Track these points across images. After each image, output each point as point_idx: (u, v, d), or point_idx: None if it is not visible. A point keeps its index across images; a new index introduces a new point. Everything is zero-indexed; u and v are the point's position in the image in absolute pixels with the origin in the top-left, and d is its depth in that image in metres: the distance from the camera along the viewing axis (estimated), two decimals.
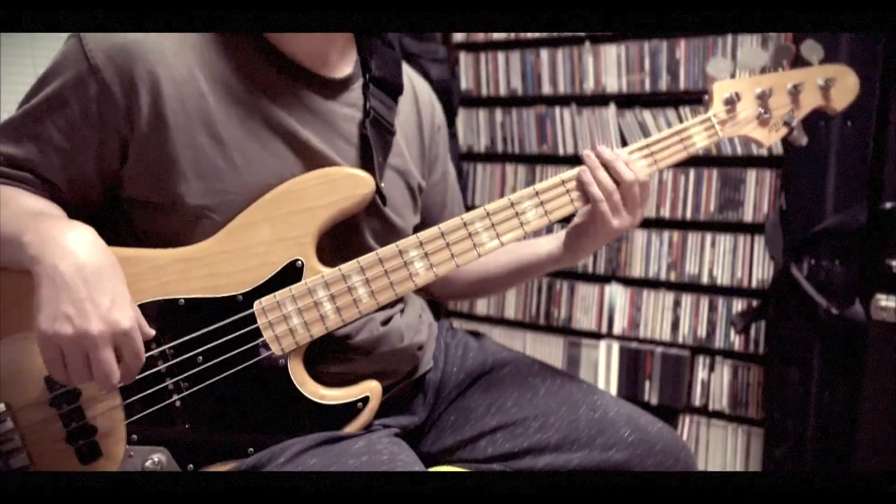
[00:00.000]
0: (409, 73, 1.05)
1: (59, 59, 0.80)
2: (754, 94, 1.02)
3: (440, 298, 1.19)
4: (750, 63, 1.03)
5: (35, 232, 0.73)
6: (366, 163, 0.90)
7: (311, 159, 0.86)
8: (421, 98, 1.06)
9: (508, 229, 0.90)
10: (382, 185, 0.91)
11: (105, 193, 0.85)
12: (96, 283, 0.71)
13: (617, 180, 0.92)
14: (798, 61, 1.05)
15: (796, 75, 1.03)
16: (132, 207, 0.85)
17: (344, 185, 0.85)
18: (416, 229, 0.98)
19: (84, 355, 0.72)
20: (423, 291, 1.14)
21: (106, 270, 0.73)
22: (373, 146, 0.90)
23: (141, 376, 0.80)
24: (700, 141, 1.00)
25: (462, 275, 1.12)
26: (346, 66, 0.92)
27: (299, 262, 0.84)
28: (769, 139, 1.04)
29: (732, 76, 1.02)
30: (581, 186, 0.93)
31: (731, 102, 1.01)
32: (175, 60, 0.80)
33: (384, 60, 0.95)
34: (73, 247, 0.72)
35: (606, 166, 0.92)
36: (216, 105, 0.82)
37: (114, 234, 0.86)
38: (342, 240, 0.89)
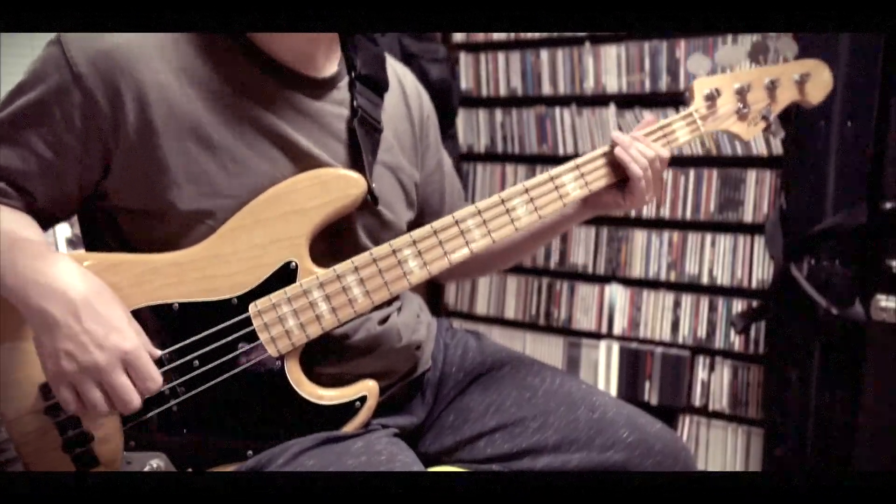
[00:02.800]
0: (393, 67, 1.05)
1: (40, 66, 0.78)
2: (733, 89, 1.04)
3: (458, 278, 1.20)
4: (728, 60, 1.05)
5: (14, 275, 0.73)
6: (355, 161, 0.90)
7: (302, 160, 0.86)
8: (408, 90, 1.05)
9: (499, 226, 0.91)
10: (374, 184, 0.90)
11: (80, 205, 0.84)
12: (87, 314, 0.71)
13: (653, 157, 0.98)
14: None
15: (773, 71, 1.06)
16: (123, 216, 0.84)
17: (335, 185, 0.85)
18: (416, 222, 0.99)
19: (97, 386, 0.72)
20: (443, 275, 1.15)
21: (93, 299, 0.73)
22: (361, 144, 0.89)
23: None
24: (683, 136, 1.03)
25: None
26: (331, 64, 0.92)
27: (293, 264, 0.84)
28: (748, 133, 1.07)
29: (712, 73, 1.05)
30: (615, 165, 0.98)
31: (711, 98, 1.03)
32: (160, 65, 0.80)
33: (369, 57, 0.95)
34: (55, 284, 0.72)
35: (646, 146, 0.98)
36: (204, 109, 0.81)
37: (105, 241, 0.86)
38: (336, 239, 0.89)
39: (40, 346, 0.72)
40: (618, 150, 0.97)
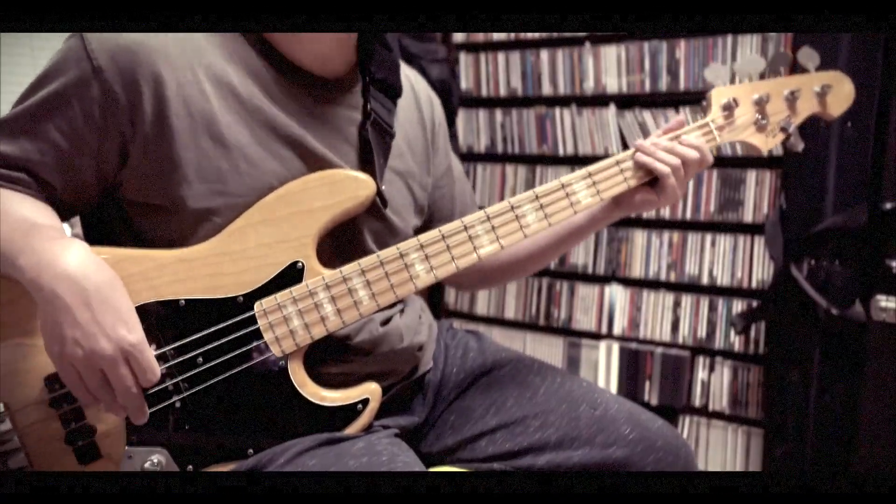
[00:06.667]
0: (406, 73, 1.05)
1: (61, 59, 0.79)
2: (752, 100, 1.03)
3: (473, 288, 1.19)
4: (747, 70, 1.04)
5: (30, 254, 0.73)
6: (366, 165, 0.90)
7: (313, 162, 0.86)
8: (420, 96, 1.06)
9: (508, 232, 0.91)
10: (383, 187, 0.91)
11: (101, 195, 0.85)
12: (98, 303, 0.72)
13: (683, 160, 0.97)
14: (795, 68, 1.06)
15: (793, 81, 1.04)
16: (133, 209, 0.84)
17: (345, 186, 0.85)
18: (426, 227, 0.98)
19: (100, 374, 0.73)
20: (455, 283, 1.14)
21: (105, 288, 0.73)
22: (374, 148, 0.90)
23: None
24: None
25: (496, 259, 1.12)
26: (346, 68, 0.92)
27: (300, 264, 0.84)
28: (766, 145, 1.05)
29: (730, 82, 1.03)
30: (642, 167, 0.98)
31: (728, 108, 1.02)
32: (178, 62, 0.80)
33: (383, 63, 0.95)
34: (69, 269, 0.72)
35: (668, 150, 0.98)
36: (219, 107, 0.82)
37: (110, 236, 0.86)
38: (343, 242, 0.89)
39: (47, 330, 0.72)
40: (639, 156, 0.97)
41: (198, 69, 0.81)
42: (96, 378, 0.73)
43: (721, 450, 2.16)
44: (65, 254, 0.73)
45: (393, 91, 0.96)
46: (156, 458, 0.80)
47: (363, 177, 0.86)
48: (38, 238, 0.74)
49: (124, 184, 0.82)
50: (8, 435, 0.78)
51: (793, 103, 1.04)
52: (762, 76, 1.04)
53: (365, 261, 0.86)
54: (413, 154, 1.00)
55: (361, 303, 0.85)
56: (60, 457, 0.79)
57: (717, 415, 2.17)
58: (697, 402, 2.20)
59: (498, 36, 2.46)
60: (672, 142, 0.98)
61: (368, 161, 0.90)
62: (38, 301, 0.72)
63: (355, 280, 0.85)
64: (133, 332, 0.73)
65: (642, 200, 1.01)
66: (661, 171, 0.97)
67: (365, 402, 0.87)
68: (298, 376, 0.84)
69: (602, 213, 1.05)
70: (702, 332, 2.18)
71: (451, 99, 2.37)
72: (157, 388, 0.80)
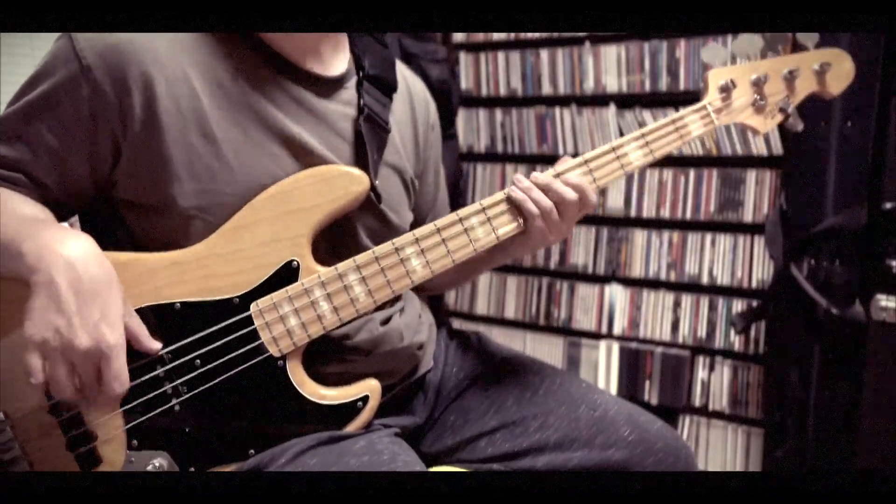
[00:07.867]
0: (403, 72, 1.05)
1: (50, 60, 0.79)
2: (749, 80, 1.01)
3: (435, 290, 1.19)
4: (745, 50, 1.01)
5: (34, 240, 0.73)
6: (361, 160, 0.90)
7: (306, 158, 0.86)
8: (415, 96, 1.05)
9: (504, 223, 0.90)
10: (377, 182, 0.90)
11: (96, 194, 0.85)
12: (89, 296, 0.71)
13: (556, 200, 0.90)
14: (794, 47, 1.05)
15: (791, 60, 1.02)
16: (125, 209, 0.84)
17: (338, 183, 0.85)
18: (410, 227, 0.98)
19: (68, 366, 0.72)
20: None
21: (101, 284, 0.73)
22: (367, 143, 0.89)
23: (139, 381, 0.79)
24: (696, 129, 0.99)
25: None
26: (339, 64, 0.92)
27: (295, 263, 0.84)
28: (765, 126, 1.03)
29: (728, 63, 1.01)
30: (515, 204, 0.91)
31: (726, 90, 1.00)
32: (168, 60, 0.80)
33: (377, 58, 0.95)
34: (71, 258, 0.72)
35: (544, 189, 0.90)
36: (209, 105, 0.82)
37: (107, 238, 0.86)
38: (338, 239, 0.89)
39: (32, 312, 0.71)
40: (511, 189, 0.91)
41: (188, 67, 0.81)
42: (62, 370, 0.72)
43: (721, 450, 2.16)
44: (70, 242, 0.73)
45: (388, 87, 0.96)
46: (157, 462, 0.80)
47: (356, 172, 0.86)
48: (44, 227, 0.75)
49: (118, 183, 0.82)
50: (9, 444, 0.78)
51: (791, 83, 1.02)
52: (760, 56, 1.02)
53: (360, 257, 0.85)
54: (405, 151, 1.00)
55: (358, 300, 0.85)
56: (62, 463, 0.79)
57: (717, 414, 2.17)
58: (697, 401, 2.20)
59: (498, 36, 2.46)
60: (551, 179, 0.91)
61: (362, 156, 0.90)
62: (32, 285, 0.71)
63: (351, 276, 0.85)
64: (114, 335, 0.72)
65: (516, 244, 0.96)
66: (529, 212, 0.90)
67: (365, 399, 0.87)
68: (297, 375, 0.84)
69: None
70: (702, 331, 2.18)
71: (451, 99, 2.36)
72: (156, 392, 0.80)
